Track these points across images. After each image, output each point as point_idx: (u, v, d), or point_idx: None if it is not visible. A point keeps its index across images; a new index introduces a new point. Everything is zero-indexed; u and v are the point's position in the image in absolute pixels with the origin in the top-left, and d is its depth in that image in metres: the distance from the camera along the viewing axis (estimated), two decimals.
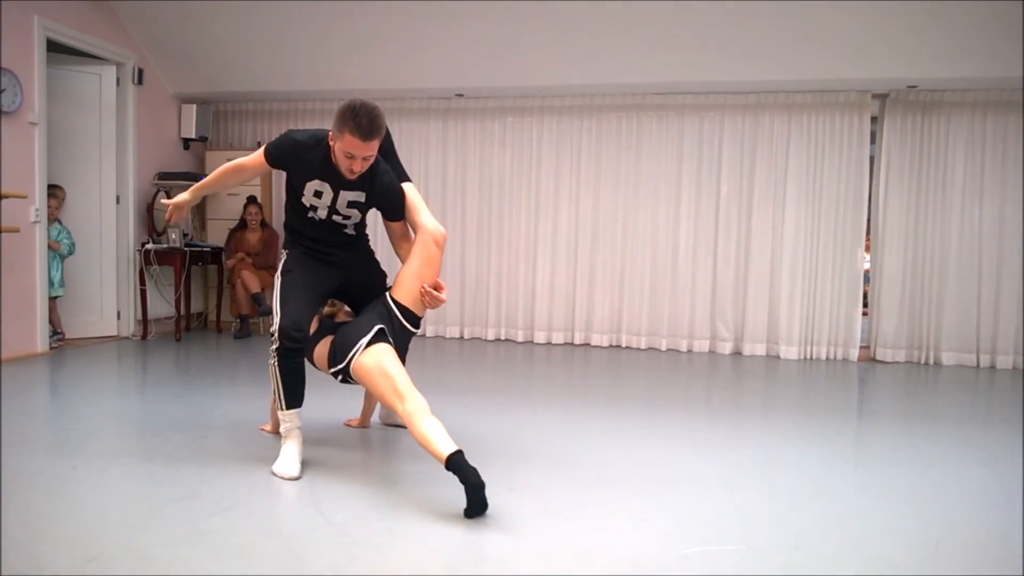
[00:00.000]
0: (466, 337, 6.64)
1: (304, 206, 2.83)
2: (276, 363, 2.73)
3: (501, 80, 6.05)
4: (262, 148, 2.80)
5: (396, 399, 2.53)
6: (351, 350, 2.67)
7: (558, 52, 5.66)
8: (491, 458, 2.91)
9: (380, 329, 2.71)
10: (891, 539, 2.22)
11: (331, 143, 2.64)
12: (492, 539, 2.14)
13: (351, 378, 2.74)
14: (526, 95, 6.34)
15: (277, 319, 2.72)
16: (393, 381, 2.57)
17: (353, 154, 2.56)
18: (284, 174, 2.87)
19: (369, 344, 2.67)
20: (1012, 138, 5.67)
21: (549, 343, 6.44)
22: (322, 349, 2.85)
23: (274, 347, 2.71)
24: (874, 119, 6.03)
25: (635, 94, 6.17)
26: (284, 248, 3.02)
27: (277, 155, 2.77)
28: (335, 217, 2.85)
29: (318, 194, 2.77)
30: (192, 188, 3.03)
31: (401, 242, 2.95)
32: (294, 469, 2.65)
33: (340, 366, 2.72)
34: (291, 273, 2.86)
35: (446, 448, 2.30)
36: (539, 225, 6.46)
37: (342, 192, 2.76)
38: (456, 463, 2.25)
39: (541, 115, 6.42)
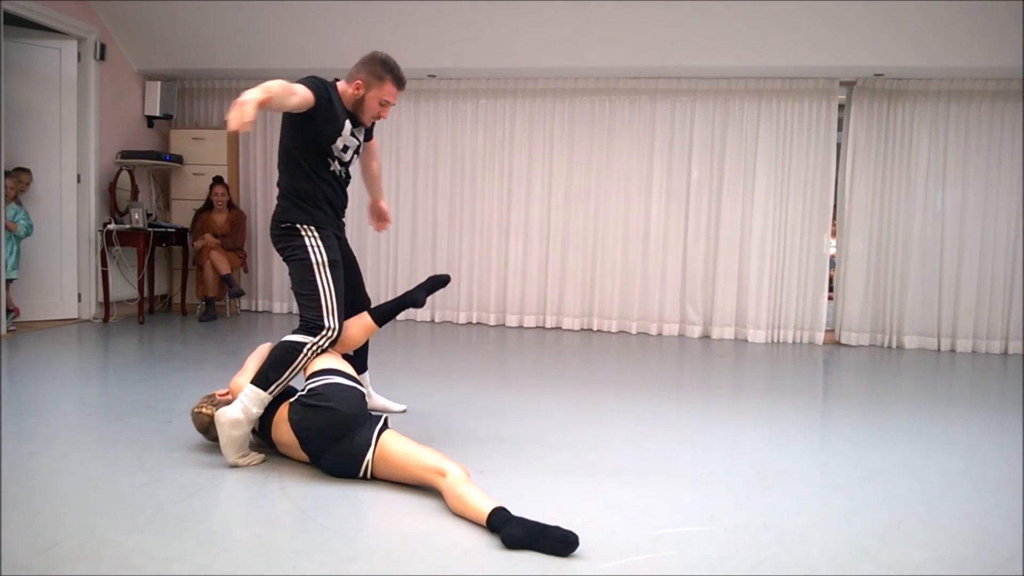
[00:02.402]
0: (437, 320, 6.61)
1: (326, 161, 2.80)
2: (307, 356, 2.64)
3: (474, 62, 5.99)
4: (302, 82, 2.63)
5: (436, 476, 2.26)
6: (362, 460, 2.40)
7: (532, 35, 5.62)
8: (462, 441, 2.90)
9: (383, 423, 2.46)
10: (856, 518, 2.26)
11: (358, 92, 2.76)
12: (460, 522, 2.14)
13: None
14: (499, 77, 6.29)
15: (333, 319, 2.69)
16: (422, 460, 2.32)
17: (389, 102, 2.79)
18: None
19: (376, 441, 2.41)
20: (973, 126, 5.78)
21: (521, 327, 6.44)
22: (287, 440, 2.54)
23: (319, 341, 2.66)
24: (841, 106, 6.09)
25: (608, 78, 6.16)
26: (295, 222, 2.76)
27: (321, 96, 2.67)
28: (347, 167, 2.90)
29: (347, 143, 2.81)
30: (263, 87, 2.36)
31: (371, 161, 3.21)
32: (257, 455, 2.59)
33: (358, 476, 2.43)
34: (337, 266, 2.80)
35: (486, 507, 2.07)
36: (511, 208, 6.44)
37: (355, 131, 2.85)
38: (496, 523, 2.02)
39: (514, 97, 6.38)
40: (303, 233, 2.77)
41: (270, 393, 2.57)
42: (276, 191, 2.91)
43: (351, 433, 2.43)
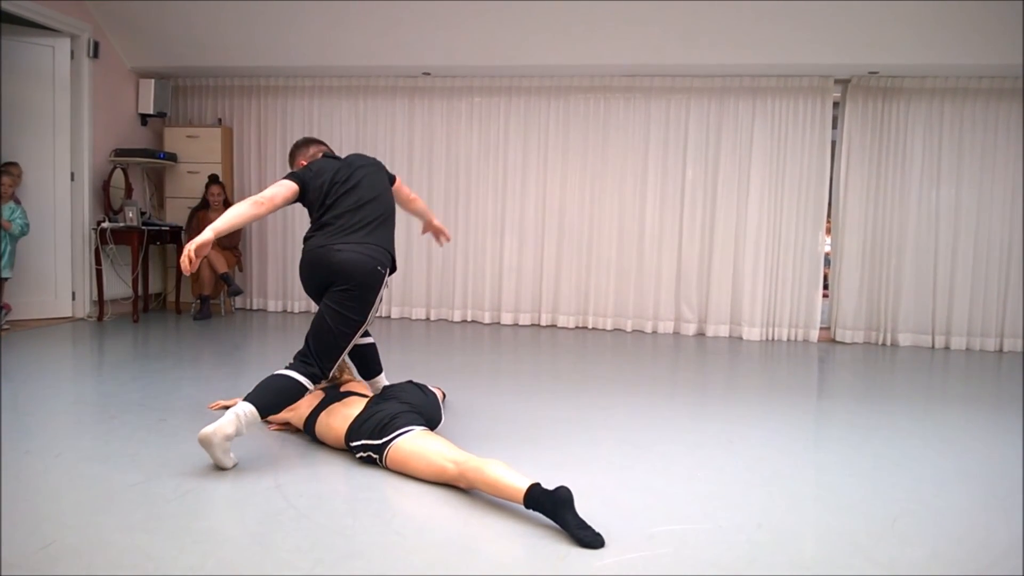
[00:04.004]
0: (432, 319, 6.61)
1: None
2: (307, 387, 2.69)
3: (468, 59, 5.99)
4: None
5: (446, 463, 2.35)
6: (389, 435, 2.52)
7: (526, 32, 5.61)
8: (457, 439, 2.90)
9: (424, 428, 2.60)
10: (851, 515, 2.26)
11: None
12: (455, 519, 2.14)
13: (378, 460, 2.54)
14: (493, 75, 6.29)
15: (334, 371, 2.80)
16: (440, 449, 2.41)
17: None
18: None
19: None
20: (968, 124, 5.79)
21: (516, 324, 6.44)
22: (335, 422, 2.72)
23: (313, 389, 2.73)
24: (836, 104, 6.11)
25: (603, 76, 6.16)
26: (391, 267, 2.87)
27: None
28: None
29: None
30: None
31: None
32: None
33: (373, 442, 2.54)
34: None
35: (522, 484, 2.12)
36: (506, 206, 6.44)
37: None
38: (535, 498, 2.07)
39: (508, 95, 6.37)
40: (381, 290, 2.81)
41: (263, 418, 2.58)
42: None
43: (413, 412, 2.65)
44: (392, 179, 3.10)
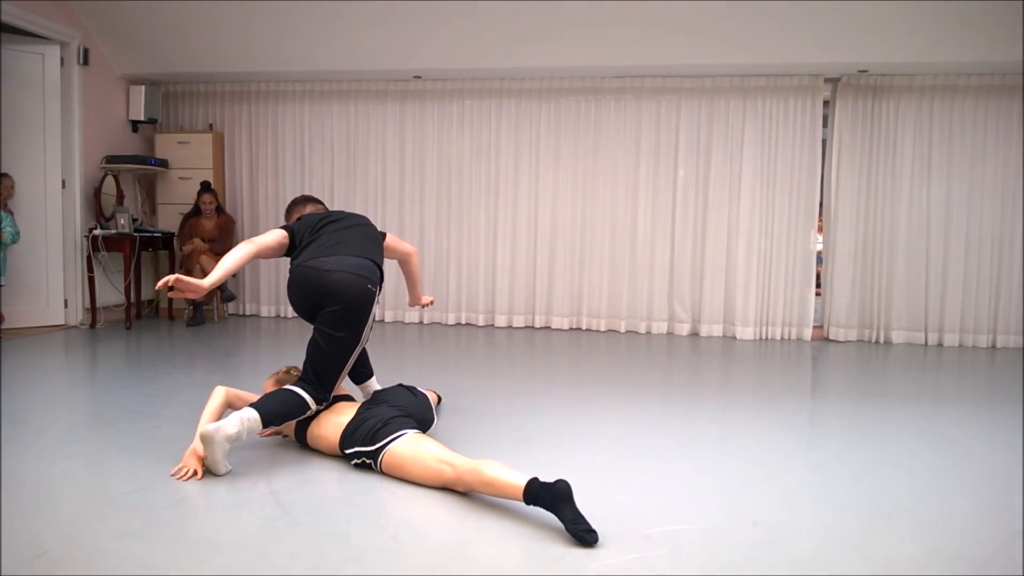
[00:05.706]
0: (426, 322, 6.60)
1: None
2: (304, 416, 2.74)
3: (459, 62, 5.99)
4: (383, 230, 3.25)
5: (443, 466, 2.35)
6: (382, 441, 2.51)
7: (516, 35, 5.62)
8: (451, 441, 2.90)
9: (416, 430, 2.59)
10: (846, 513, 2.27)
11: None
12: (451, 523, 2.14)
13: (373, 465, 2.53)
14: (484, 78, 6.30)
15: (331, 395, 2.79)
16: (436, 452, 2.40)
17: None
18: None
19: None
20: (958, 121, 5.83)
21: (510, 327, 6.44)
22: (326, 431, 2.72)
23: (315, 410, 2.74)
24: (826, 103, 6.13)
25: (593, 77, 6.17)
26: (376, 291, 2.84)
27: None
28: None
29: None
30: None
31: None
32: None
33: (366, 448, 2.53)
34: None
35: (520, 480, 2.12)
36: (498, 208, 6.44)
37: None
38: (534, 493, 2.07)
39: (500, 98, 6.38)
40: (373, 308, 2.83)
41: (264, 427, 2.60)
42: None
43: (404, 415, 2.64)
44: (382, 234, 3.14)
